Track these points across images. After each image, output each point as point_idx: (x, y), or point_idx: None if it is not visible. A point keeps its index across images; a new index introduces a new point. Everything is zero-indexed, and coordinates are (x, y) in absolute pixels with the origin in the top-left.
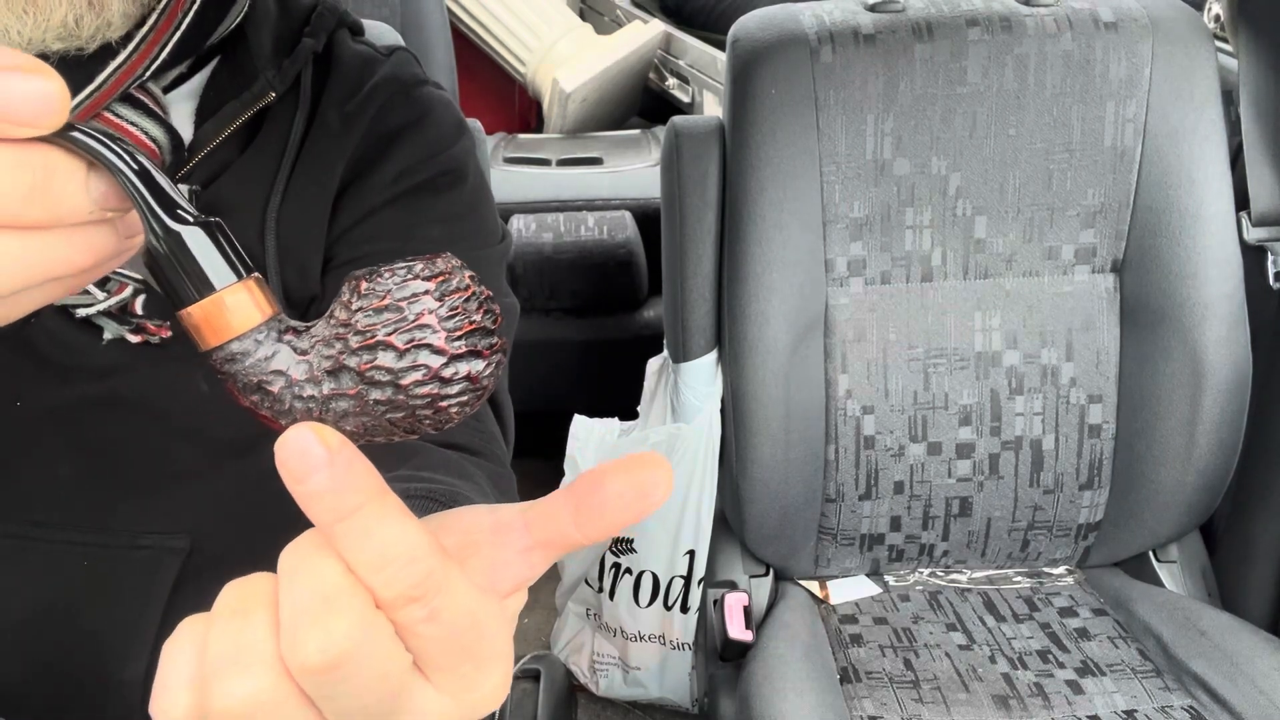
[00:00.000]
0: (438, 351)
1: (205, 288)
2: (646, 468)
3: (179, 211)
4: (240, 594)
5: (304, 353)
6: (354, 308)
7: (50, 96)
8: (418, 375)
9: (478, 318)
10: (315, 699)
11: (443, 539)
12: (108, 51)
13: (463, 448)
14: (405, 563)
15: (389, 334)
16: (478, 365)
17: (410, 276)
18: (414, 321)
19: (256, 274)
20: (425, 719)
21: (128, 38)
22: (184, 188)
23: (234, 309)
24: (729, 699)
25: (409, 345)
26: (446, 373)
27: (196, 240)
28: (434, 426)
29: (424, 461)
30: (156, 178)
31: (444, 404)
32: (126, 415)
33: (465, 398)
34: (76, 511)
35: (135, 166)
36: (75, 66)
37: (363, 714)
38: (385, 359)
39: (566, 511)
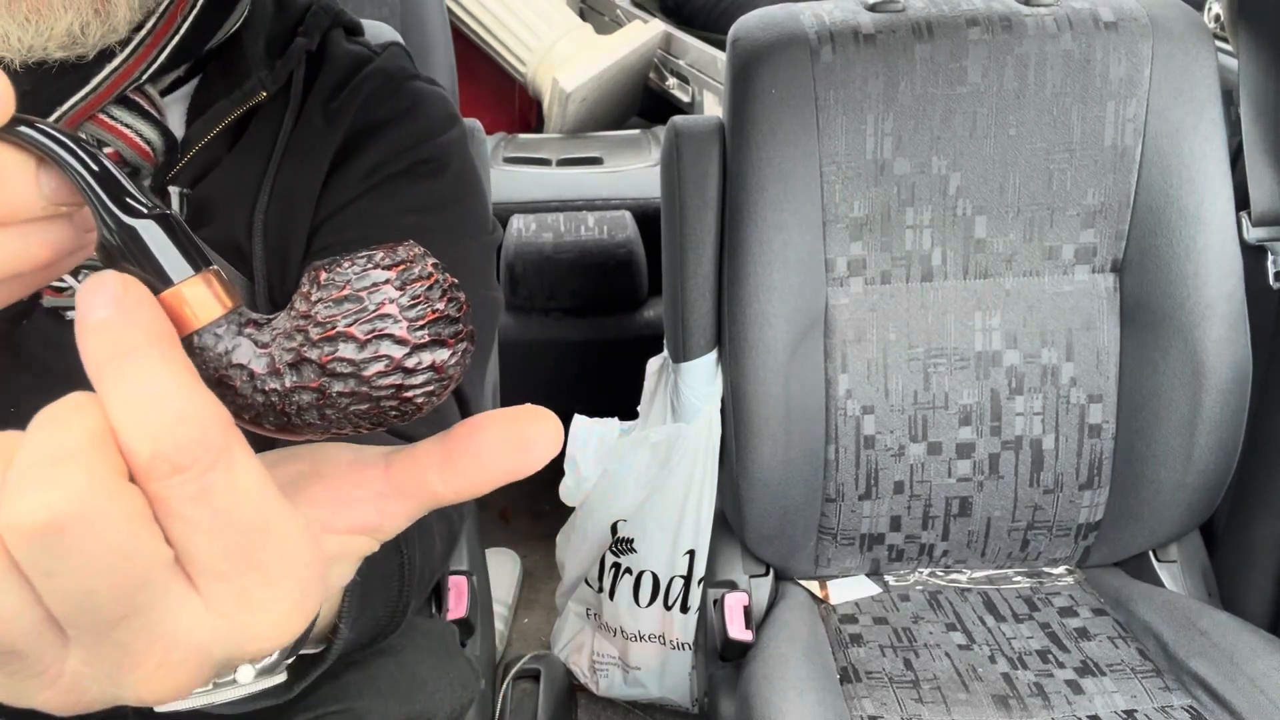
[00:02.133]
0: (400, 341)
1: (162, 282)
2: (532, 419)
3: (132, 204)
4: None
5: (265, 346)
6: (314, 299)
7: None
8: (380, 366)
9: (441, 306)
10: (31, 574)
11: (288, 466)
12: (106, 54)
13: (414, 439)
14: (175, 420)
15: (349, 325)
16: (443, 354)
17: (370, 266)
18: (375, 311)
19: (215, 266)
20: (184, 638)
21: (125, 40)
22: (173, 190)
23: (193, 302)
24: (729, 699)
25: (370, 336)
26: (410, 363)
27: (151, 233)
28: (400, 418)
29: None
30: (110, 171)
31: (409, 394)
32: None
33: (431, 388)
34: None
35: (86, 161)
36: (72, 69)
37: (89, 601)
38: (346, 350)
39: (433, 459)
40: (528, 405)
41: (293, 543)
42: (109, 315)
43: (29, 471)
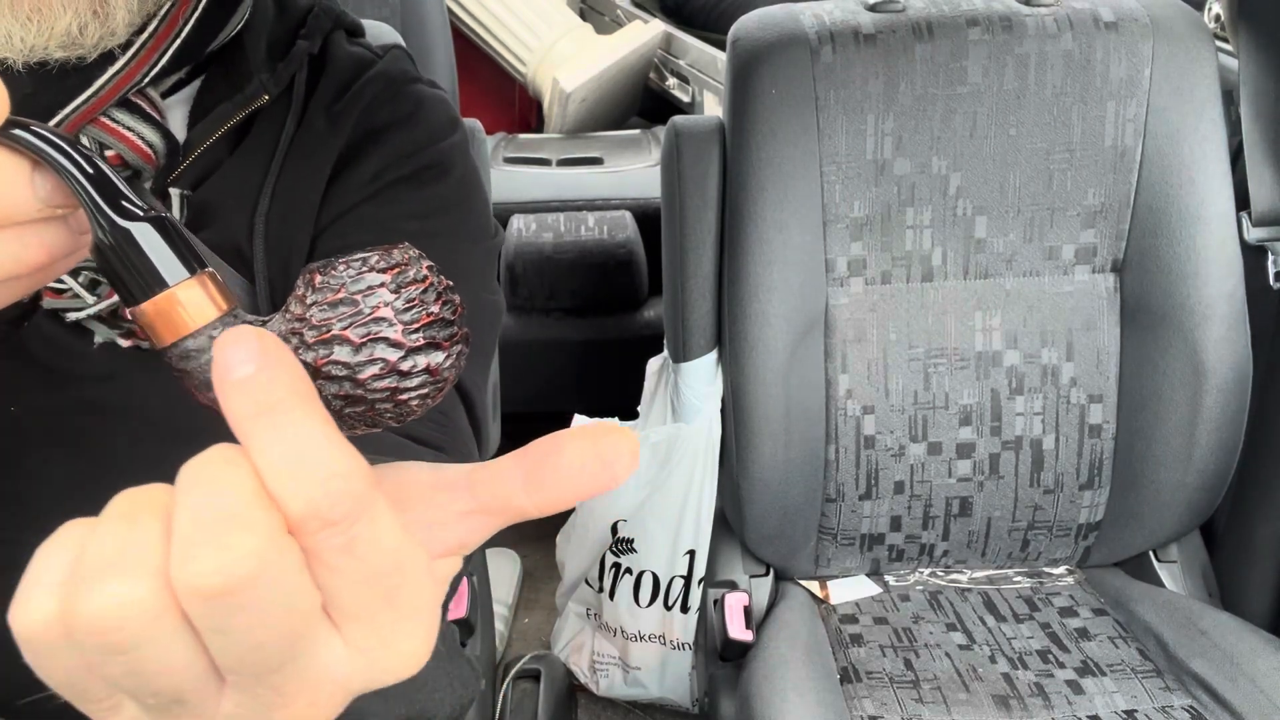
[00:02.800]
0: (395, 344)
1: (157, 284)
2: (611, 436)
3: (127, 207)
4: (133, 500)
5: None
6: (308, 302)
7: None
8: (375, 369)
9: (436, 309)
10: (202, 630)
11: None
12: (107, 57)
13: (424, 441)
14: (325, 476)
15: (344, 328)
16: (437, 357)
17: (365, 269)
18: (369, 315)
19: (210, 269)
20: (328, 676)
21: (127, 44)
22: (174, 192)
23: (187, 305)
24: (729, 699)
25: (365, 339)
26: (404, 366)
27: (146, 236)
28: (395, 420)
29: (414, 456)
30: (105, 174)
31: (403, 397)
32: (119, 420)
33: (425, 390)
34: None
35: (80, 164)
36: (74, 71)
37: (255, 655)
38: (341, 353)
39: (517, 477)
40: (605, 422)
41: (421, 580)
42: (252, 372)
43: (200, 533)
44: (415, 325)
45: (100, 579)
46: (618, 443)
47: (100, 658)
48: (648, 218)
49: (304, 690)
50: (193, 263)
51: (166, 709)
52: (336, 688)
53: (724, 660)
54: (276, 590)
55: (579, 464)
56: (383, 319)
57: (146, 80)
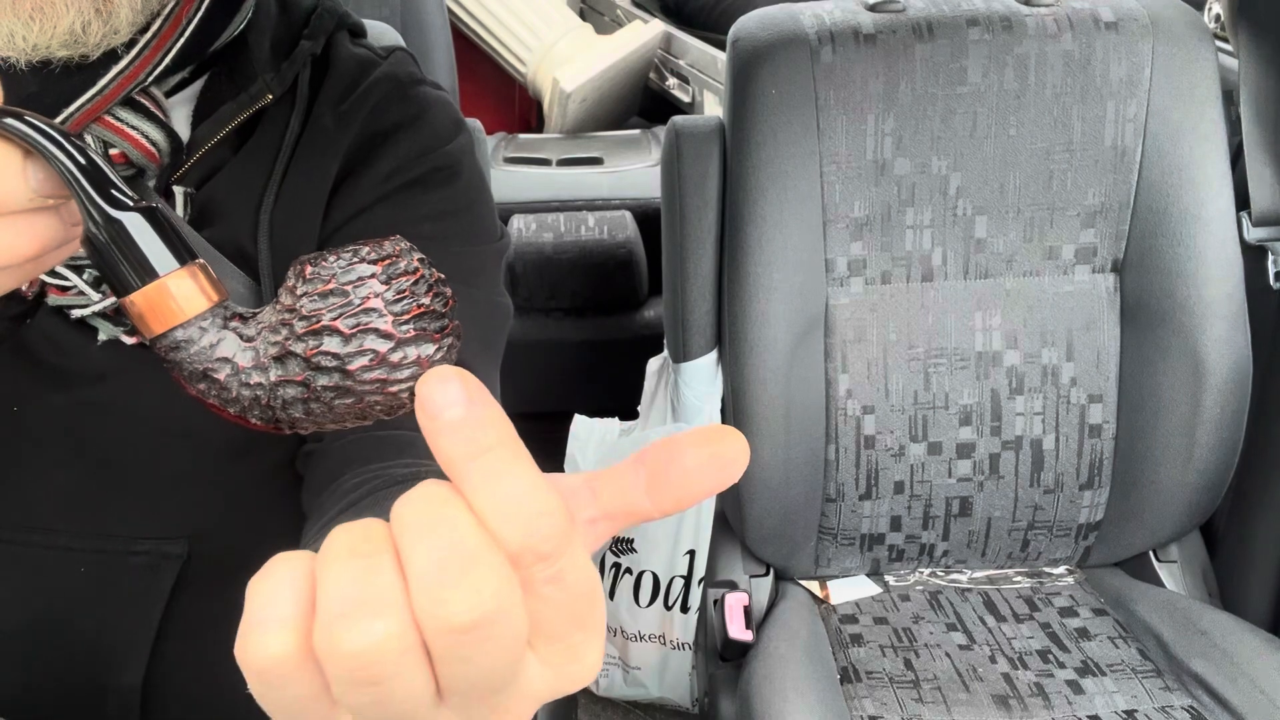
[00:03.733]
0: (384, 336)
1: (147, 274)
2: (726, 439)
3: (118, 197)
4: (355, 537)
5: (250, 339)
6: (299, 292)
7: None
8: (365, 360)
9: (427, 301)
10: (443, 660)
11: None
12: (111, 56)
13: None
14: (538, 514)
15: (334, 318)
16: (428, 349)
17: (356, 260)
18: (359, 305)
19: (201, 260)
20: (530, 689)
21: (131, 43)
22: (179, 190)
23: (177, 295)
24: (729, 699)
25: (355, 330)
26: (394, 357)
27: (137, 226)
28: (386, 412)
29: (425, 452)
30: (97, 164)
31: (393, 389)
32: (122, 419)
33: (415, 383)
34: (73, 517)
35: (72, 154)
36: (78, 71)
37: (485, 681)
38: (331, 344)
39: (638, 482)
40: (717, 425)
41: (600, 599)
42: (463, 415)
43: (446, 574)
44: (406, 316)
45: (354, 617)
46: (734, 445)
47: (351, 690)
48: (648, 218)
49: (511, 707)
50: (183, 253)
51: None
52: (530, 701)
53: (724, 660)
54: (512, 622)
55: (701, 468)
56: (373, 310)
57: (150, 79)
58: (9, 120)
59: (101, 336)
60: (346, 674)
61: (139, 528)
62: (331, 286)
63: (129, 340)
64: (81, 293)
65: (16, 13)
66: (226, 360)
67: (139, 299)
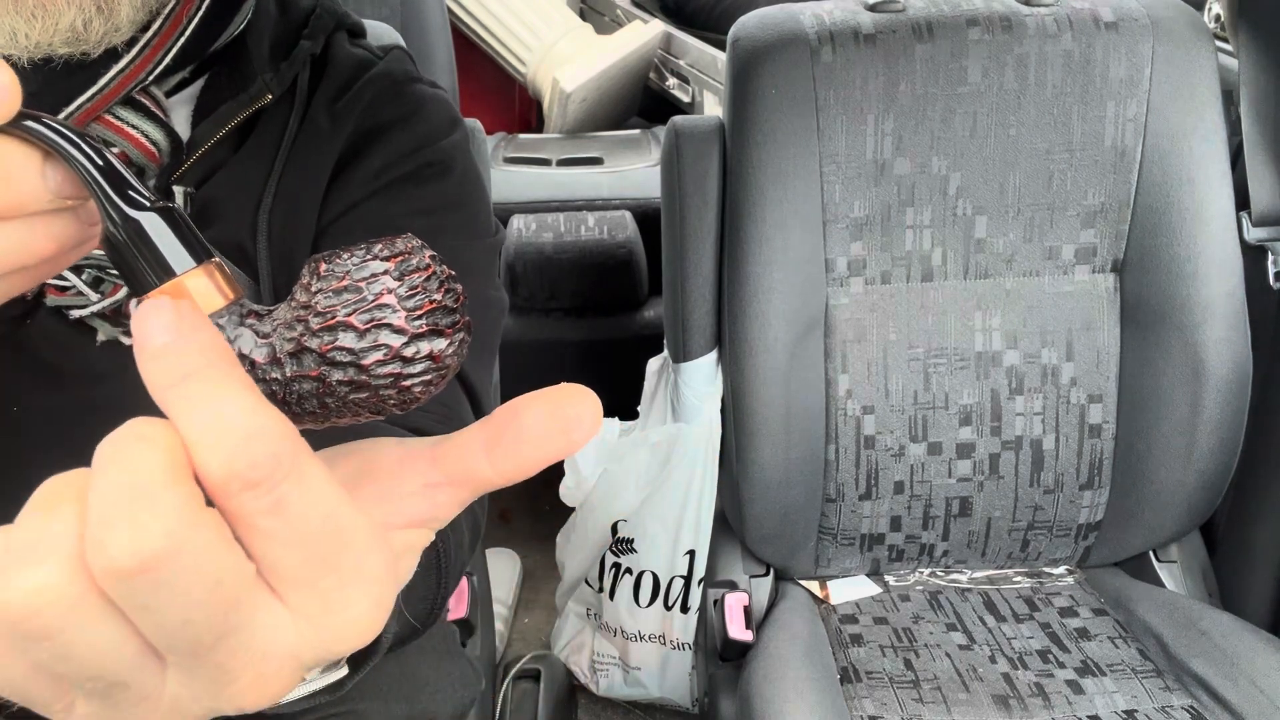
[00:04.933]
0: (398, 331)
1: (165, 273)
2: (571, 398)
3: (136, 198)
4: (52, 488)
5: (266, 336)
6: (314, 289)
7: (1, 89)
8: (379, 355)
9: (438, 296)
10: (127, 609)
11: (340, 466)
12: (112, 55)
13: (428, 434)
14: (242, 437)
15: (349, 314)
16: (440, 344)
17: (369, 257)
18: (373, 301)
19: (217, 258)
20: (275, 648)
21: (132, 42)
22: (178, 190)
23: (195, 294)
24: (729, 699)
25: (369, 325)
26: (408, 352)
27: (154, 226)
28: (399, 406)
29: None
30: (114, 165)
31: (407, 383)
32: (121, 419)
33: (429, 376)
34: None
35: (91, 155)
36: (79, 69)
37: (187, 630)
38: (346, 339)
39: (479, 445)
40: (566, 385)
41: (366, 543)
42: (169, 340)
43: (112, 512)
44: (418, 312)
45: (15, 567)
46: (579, 405)
47: (27, 646)
48: (648, 218)
49: (250, 664)
50: (200, 253)
51: (108, 694)
52: (286, 660)
53: (724, 660)
54: (200, 564)
55: (539, 429)
56: (386, 305)
57: (150, 78)
58: (29, 122)
59: (100, 337)
60: (12, 628)
61: None
62: (346, 283)
63: (128, 340)
64: (80, 293)
65: (19, 10)
66: (244, 356)
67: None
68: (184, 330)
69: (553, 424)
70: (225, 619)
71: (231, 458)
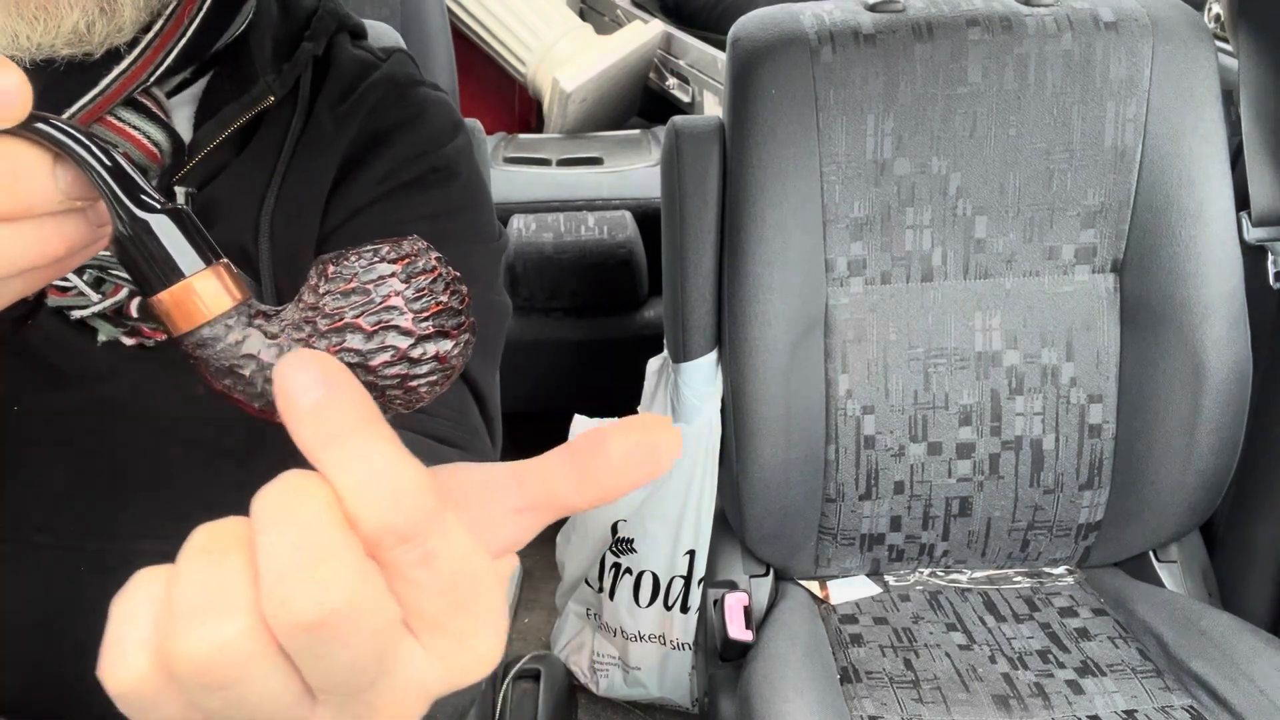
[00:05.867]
0: (405, 332)
1: (174, 274)
2: (655, 428)
3: (145, 199)
4: (211, 536)
5: (274, 336)
6: (321, 291)
7: (11, 91)
8: (386, 356)
9: (444, 298)
10: (297, 658)
11: None
12: (113, 56)
13: (445, 441)
14: (399, 494)
15: (356, 316)
16: (446, 345)
17: (376, 259)
18: (381, 303)
19: (225, 260)
20: (412, 684)
21: (133, 43)
22: (180, 190)
23: (204, 294)
24: (729, 699)
25: (376, 327)
26: (414, 353)
27: (164, 227)
28: (404, 406)
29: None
30: (123, 167)
31: (413, 384)
32: (122, 420)
33: (434, 377)
34: (73, 519)
35: (101, 157)
36: (80, 70)
37: (350, 676)
38: (353, 341)
39: (564, 472)
40: (646, 416)
41: (490, 583)
42: (321, 398)
43: (291, 567)
44: (425, 314)
45: (196, 619)
46: (663, 435)
47: (203, 695)
48: (648, 218)
49: (393, 701)
50: (208, 254)
51: None
52: (420, 694)
53: (724, 660)
54: (367, 614)
55: (628, 457)
56: (394, 307)
57: (152, 79)
58: (40, 124)
59: (101, 337)
60: (193, 680)
61: (139, 530)
62: (353, 285)
63: (129, 341)
64: (81, 293)
65: (20, 13)
66: (252, 357)
67: (166, 298)
68: (336, 388)
69: (643, 452)
70: (381, 663)
71: (388, 512)
